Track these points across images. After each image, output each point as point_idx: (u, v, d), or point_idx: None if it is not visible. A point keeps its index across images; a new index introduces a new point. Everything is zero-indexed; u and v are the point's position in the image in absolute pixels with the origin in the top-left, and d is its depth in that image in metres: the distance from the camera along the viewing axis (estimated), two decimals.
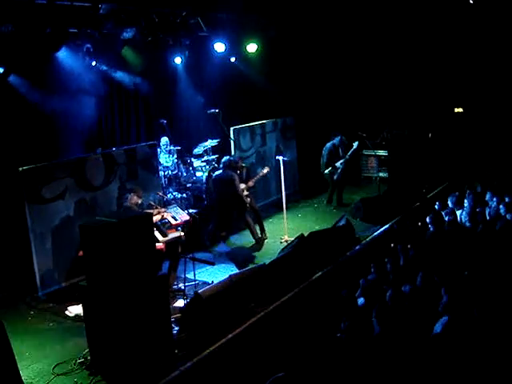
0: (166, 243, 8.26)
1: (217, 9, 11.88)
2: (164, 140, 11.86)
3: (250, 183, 10.70)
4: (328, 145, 12.84)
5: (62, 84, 10.17)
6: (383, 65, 14.84)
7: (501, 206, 8.70)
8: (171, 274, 8.46)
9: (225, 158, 10.52)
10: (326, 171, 12.75)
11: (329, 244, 9.31)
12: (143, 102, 12.66)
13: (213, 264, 8.42)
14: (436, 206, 9.70)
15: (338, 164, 12.66)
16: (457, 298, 5.53)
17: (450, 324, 4.86)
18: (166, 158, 11.82)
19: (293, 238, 9.82)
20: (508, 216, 8.30)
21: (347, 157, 12.64)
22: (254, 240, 10.63)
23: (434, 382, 4.47)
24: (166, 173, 11.71)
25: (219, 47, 12.43)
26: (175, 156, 11.95)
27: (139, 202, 8.38)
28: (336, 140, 12.79)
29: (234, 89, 13.74)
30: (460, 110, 15.05)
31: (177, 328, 7.21)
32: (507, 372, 4.43)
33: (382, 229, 10.43)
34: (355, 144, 12.63)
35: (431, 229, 8.56)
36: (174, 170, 11.85)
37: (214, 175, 10.84)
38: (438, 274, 6.37)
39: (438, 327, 5.03)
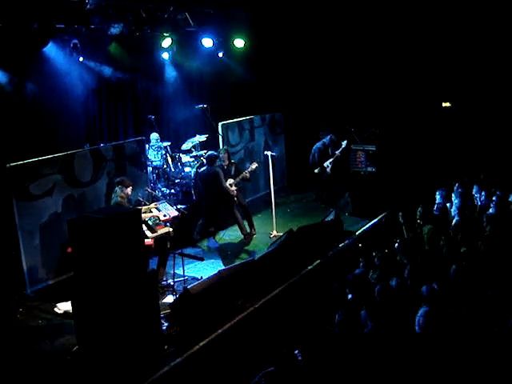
0: (155, 239, 8.26)
1: (204, 4, 11.85)
2: (154, 136, 11.82)
3: (247, 174, 10.68)
4: (318, 144, 12.80)
5: (49, 80, 10.14)
6: (371, 60, 14.85)
7: (493, 199, 8.77)
8: (160, 269, 8.46)
9: (207, 154, 10.54)
10: (316, 171, 12.75)
11: (318, 239, 9.33)
12: (131, 98, 12.62)
13: (202, 259, 8.40)
14: (425, 201, 9.74)
15: (326, 163, 12.65)
16: (442, 290, 5.57)
17: (430, 315, 4.87)
18: (155, 155, 11.78)
19: (282, 233, 9.84)
20: (492, 210, 8.39)
21: (336, 154, 12.58)
22: (242, 235, 10.65)
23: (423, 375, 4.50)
24: (155, 168, 11.68)
25: (207, 42, 12.43)
26: (163, 152, 11.91)
27: (129, 192, 8.34)
28: (326, 139, 12.78)
29: (222, 84, 13.74)
30: (448, 104, 15.09)
31: (166, 324, 7.22)
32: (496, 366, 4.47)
33: (370, 223, 10.46)
34: (344, 143, 12.63)
35: (421, 222, 8.61)
36: (162, 166, 11.82)
37: (199, 171, 10.84)
38: (428, 268, 6.41)
39: (419, 318, 5.03)
